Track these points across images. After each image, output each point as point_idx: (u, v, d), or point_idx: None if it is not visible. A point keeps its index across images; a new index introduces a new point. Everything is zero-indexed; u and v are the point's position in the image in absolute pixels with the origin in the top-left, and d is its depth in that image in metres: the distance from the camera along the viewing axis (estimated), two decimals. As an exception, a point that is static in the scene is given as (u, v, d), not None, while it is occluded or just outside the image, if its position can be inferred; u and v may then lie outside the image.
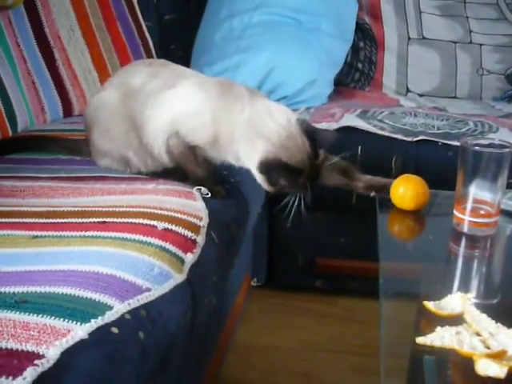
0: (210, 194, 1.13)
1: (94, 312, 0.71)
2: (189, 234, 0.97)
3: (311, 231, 1.83)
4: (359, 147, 1.68)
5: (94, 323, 0.69)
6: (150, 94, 1.16)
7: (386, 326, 0.79)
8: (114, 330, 0.71)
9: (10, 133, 1.48)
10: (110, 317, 0.72)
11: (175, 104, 1.15)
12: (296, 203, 1.08)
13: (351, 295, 1.82)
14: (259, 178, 1.10)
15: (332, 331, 1.71)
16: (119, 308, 0.74)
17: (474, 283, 0.96)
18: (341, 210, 1.78)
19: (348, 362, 1.58)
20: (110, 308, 0.73)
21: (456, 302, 0.80)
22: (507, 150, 1.00)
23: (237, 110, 1.11)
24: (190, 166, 1.17)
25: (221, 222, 1.09)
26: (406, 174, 1.18)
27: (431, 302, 0.80)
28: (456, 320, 0.77)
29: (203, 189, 1.14)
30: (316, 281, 1.86)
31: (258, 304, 1.83)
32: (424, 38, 2.18)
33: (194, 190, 1.13)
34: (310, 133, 1.10)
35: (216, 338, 1.47)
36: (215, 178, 1.20)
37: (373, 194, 1.19)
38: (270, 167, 1.07)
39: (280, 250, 1.88)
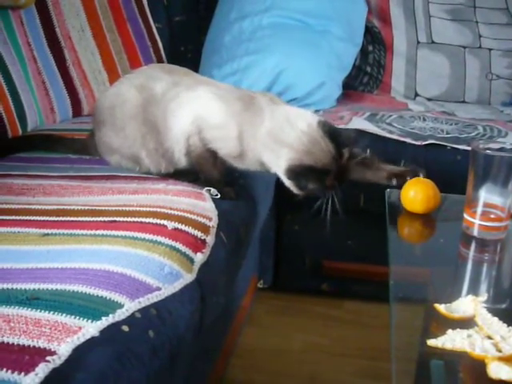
0: (219, 195, 1.13)
1: (104, 310, 0.71)
2: (198, 234, 0.97)
3: (318, 234, 1.82)
4: (368, 150, 1.67)
5: (105, 321, 0.70)
6: (172, 102, 1.17)
7: (397, 330, 0.79)
8: (125, 328, 0.71)
9: (20, 132, 1.48)
10: (120, 315, 0.72)
11: (197, 106, 1.16)
12: (329, 205, 1.09)
13: (357, 298, 1.82)
14: (288, 183, 1.12)
15: (337, 334, 1.70)
16: (130, 306, 0.74)
17: (484, 287, 0.96)
18: (348, 213, 1.77)
19: (353, 365, 1.58)
20: (121, 306, 0.73)
21: (467, 305, 0.80)
22: (518, 154, 1.00)
23: (258, 122, 1.13)
24: (206, 167, 1.17)
25: (230, 223, 1.10)
26: (416, 177, 1.18)
27: (442, 305, 0.80)
28: (467, 323, 0.76)
29: (212, 190, 1.14)
30: (322, 283, 1.86)
31: (264, 306, 1.83)
32: (433, 42, 2.18)
33: (204, 190, 1.13)
34: (333, 134, 1.10)
35: (222, 339, 1.47)
36: (226, 179, 1.20)
37: (394, 182, 1.19)
38: (296, 173, 1.09)
39: (287, 253, 1.87)
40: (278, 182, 1.63)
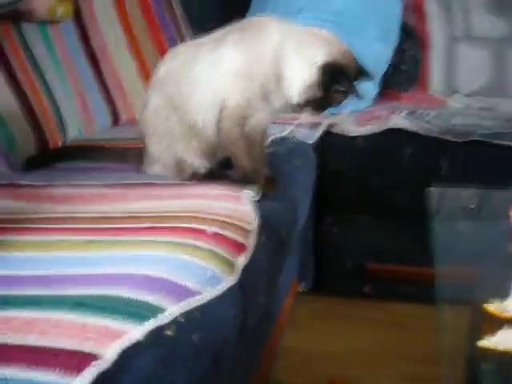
0: (258, 198, 1.13)
1: (148, 314, 0.72)
2: (238, 237, 0.97)
3: (359, 235, 1.81)
4: (407, 149, 1.65)
5: (149, 325, 0.70)
6: (178, 71, 1.19)
7: (444, 332, 0.77)
8: (169, 332, 0.71)
9: (60, 142, 1.51)
10: (163, 319, 0.72)
11: (210, 73, 1.16)
12: None
13: (399, 301, 1.79)
14: (310, 79, 1.09)
15: (380, 337, 1.68)
16: (173, 310, 0.74)
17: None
18: (390, 214, 1.75)
19: (395, 368, 1.55)
20: (164, 310, 0.73)
21: (518, 304, 0.77)
22: None
23: (263, 39, 1.14)
24: (238, 155, 1.16)
25: (269, 226, 1.09)
26: None
27: (492, 305, 0.77)
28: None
29: (251, 192, 1.13)
30: (365, 286, 1.84)
31: (305, 309, 1.81)
32: (471, 35, 2.13)
33: (243, 193, 1.13)
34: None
35: (264, 342, 1.47)
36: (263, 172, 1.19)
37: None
38: (336, 71, 1.09)
39: (327, 255, 1.86)
40: (317, 183, 1.63)
